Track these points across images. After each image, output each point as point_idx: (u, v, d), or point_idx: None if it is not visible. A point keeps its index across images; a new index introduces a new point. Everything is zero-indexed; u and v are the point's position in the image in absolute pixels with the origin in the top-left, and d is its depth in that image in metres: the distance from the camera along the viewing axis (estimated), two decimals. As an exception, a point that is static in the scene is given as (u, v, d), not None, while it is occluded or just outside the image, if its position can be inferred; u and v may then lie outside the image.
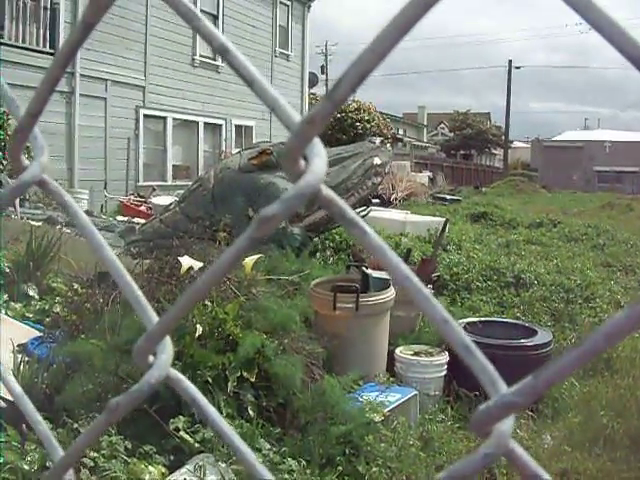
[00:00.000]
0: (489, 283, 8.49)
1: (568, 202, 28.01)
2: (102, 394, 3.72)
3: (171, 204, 8.45)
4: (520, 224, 15.79)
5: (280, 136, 18.91)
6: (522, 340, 5.43)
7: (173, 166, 19.23)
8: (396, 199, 20.78)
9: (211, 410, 0.43)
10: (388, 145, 19.70)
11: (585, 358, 0.31)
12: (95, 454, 3.18)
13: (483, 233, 13.47)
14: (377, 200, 18.30)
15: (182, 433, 3.52)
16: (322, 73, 44.90)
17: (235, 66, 0.36)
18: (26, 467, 3.10)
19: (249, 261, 4.58)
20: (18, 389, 0.53)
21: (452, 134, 58.37)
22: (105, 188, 16.22)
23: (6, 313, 5.01)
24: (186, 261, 4.47)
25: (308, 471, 3.57)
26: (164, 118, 18.63)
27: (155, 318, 0.43)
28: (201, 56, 19.75)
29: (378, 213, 12.34)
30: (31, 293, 5.63)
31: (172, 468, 3.36)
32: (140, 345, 0.43)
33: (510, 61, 48.48)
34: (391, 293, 5.36)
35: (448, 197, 23.81)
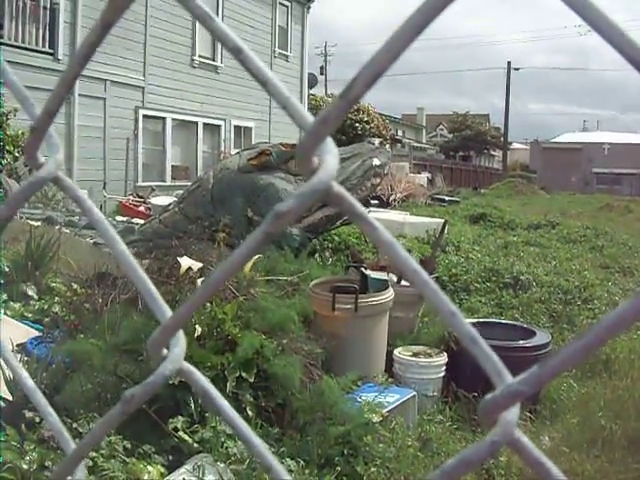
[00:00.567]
0: (488, 284, 8.51)
1: (567, 204, 28.03)
2: (101, 394, 3.73)
3: (170, 204, 8.47)
4: (519, 225, 15.81)
5: (279, 137, 18.92)
6: (520, 341, 5.43)
7: (172, 166, 19.24)
8: (395, 200, 20.79)
9: (223, 403, 0.43)
10: (387, 146, 19.70)
11: (589, 349, 0.32)
12: (94, 454, 3.18)
13: (482, 234, 13.49)
14: (376, 201, 18.33)
15: (181, 433, 3.53)
16: (321, 74, 45.03)
17: (248, 66, 0.37)
18: (25, 466, 3.10)
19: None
20: (30, 383, 0.54)
21: (451, 135, 58.44)
22: (104, 188, 16.22)
23: (5, 313, 5.01)
24: (185, 261, 4.48)
25: (307, 471, 3.58)
26: (163, 118, 18.64)
27: (169, 312, 0.44)
28: (200, 57, 19.76)
29: (377, 214, 12.36)
30: (30, 293, 5.63)
31: (171, 468, 3.36)
32: (155, 338, 0.43)
33: (509, 63, 48.52)
34: (390, 294, 5.36)
35: (447, 198, 23.83)
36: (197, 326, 3.91)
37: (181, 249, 5.17)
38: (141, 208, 14.57)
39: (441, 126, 63.46)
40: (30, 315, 5.24)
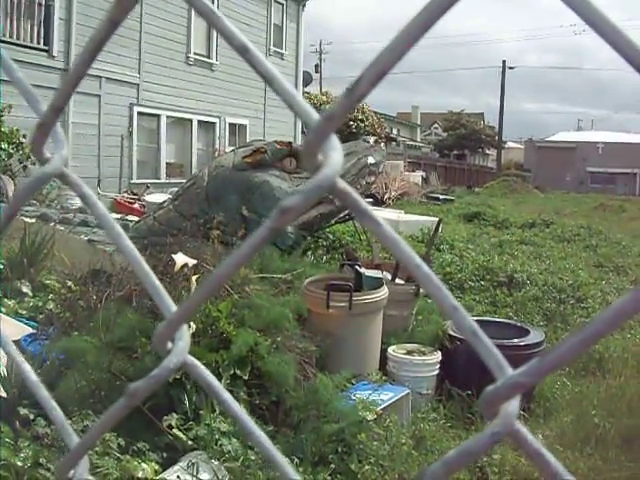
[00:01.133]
0: (482, 283, 8.53)
1: (561, 203, 28.10)
2: (95, 391, 3.73)
3: (165, 202, 8.46)
4: (513, 224, 15.85)
5: (274, 135, 18.92)
6: (515, 340, 5.44)
7: (167, 164, 19.21)
8: (389, 198, 20.81)
9: (226, 395, 0.44)
10: (382, 144, 19.67)
11: (588, 342, 0.33)
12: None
13: (476, 233, 13.52)
14: (370, 199, 18.33)
15: (175, 430, 3.53)
16: (316, 72, 45.01)
17: (255, 65, 0.37)
18: (19, 464, 3.10)
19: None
20: (33, 377, 0.54)
21: (446, 134, 58.44)
22: (98, 185, 16.18)
23: (-1, 310, 5.01)
24: (180, 258, 4.48)
25: (301, 469, 3.58)
26: (158, 116, 18.60)
27: (173, 306, 0.44)
28: (195, 54, 19.73)
29: (371, 212, 12.32)
30: (24, 290, 5.62)
31: (165, 465, 3.37)
32: (160, 331, 0.44)
33: (504, 61, 48.56)
34: (384, 292, 5.37)
35: (441, 197, 23.88)
36: (192, 323, 3.92)
37: (176, 246, 5.16)
38: (135, 205, 14.56)
39: (436, 125, 63.52)
40: (24, 312, 5.23)
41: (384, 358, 5.30)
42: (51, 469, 3.10)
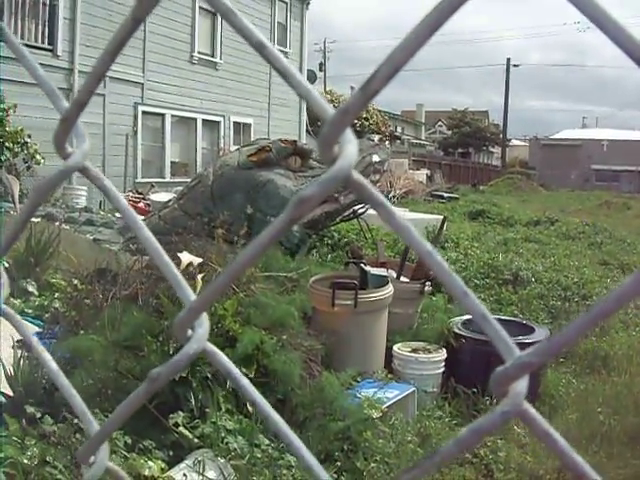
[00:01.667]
0: (487, 281, 8.53)
1: (566, 200, 28.08)
2: (102, 389, 3.74)
3: (169, 201, 8.47)
4: (518, 222, 15.84)
5: (278, 133, 18.91)
6: (520, 337, 5.45)
7: (171, 163, 19.23)
8: (394, 197, 20.82)
9: (245, 381, 0.45)
10: (386, 143, 19.63)
11: (594, 322, 0.34)
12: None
13: (481, 231, 13.51)
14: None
15: (181, 429, 3.54)
16: (320, 70, 44.95)
17: (272, 61, 0.39)
18: (26, 461, 3.11)
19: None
20: (54, 366, 0.56)
21: (450, 132, 58.38)
22: (103, 185, 16.19)
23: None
24: (185, 257, 4.49)
25: (307, 466, 3.59)
26: (162, 115, 18.63)
27: (192, 295, 0.46)
28: (199, 53, 19.75)
29: (376, 211, 12.32)
30: (30, 289, 5.64)
31: (171, 463, 3.38)
32: (180, 319, 0.45)
33: (508, 59, 48.48)
34: (389, 290, 5.38)
35: (446, 195, 23.86)
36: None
37: (181, 245, 5.17)
38: (140, 204, 14.57)
39: (440, 123, 63.44)
40: (30, 311, 5.25)
41: (389, 356, 5.31)
42: (58, 467, 3.12)
